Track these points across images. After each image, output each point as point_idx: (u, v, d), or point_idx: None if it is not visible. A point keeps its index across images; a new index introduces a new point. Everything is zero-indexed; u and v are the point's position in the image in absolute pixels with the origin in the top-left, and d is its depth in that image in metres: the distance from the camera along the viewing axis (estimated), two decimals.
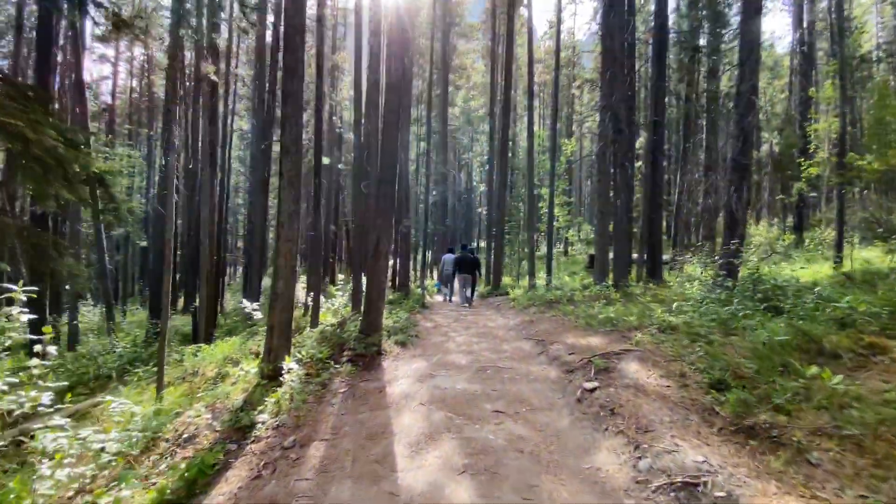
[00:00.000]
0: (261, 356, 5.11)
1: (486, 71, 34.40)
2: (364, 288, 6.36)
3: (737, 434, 2.61)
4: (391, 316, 8.97)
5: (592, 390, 3.84)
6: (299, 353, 5.05)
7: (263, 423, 3.67)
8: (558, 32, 17.52)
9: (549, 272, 12.74)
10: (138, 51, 32.31)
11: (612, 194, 10.28)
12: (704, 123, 12.49)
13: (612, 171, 10.20)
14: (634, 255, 11.31)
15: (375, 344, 5.73)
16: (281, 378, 4.42)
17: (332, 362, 5.14)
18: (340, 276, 16.90)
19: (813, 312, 4.13)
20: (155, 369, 6.25)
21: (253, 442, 3.45)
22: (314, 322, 7.41)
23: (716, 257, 7.87)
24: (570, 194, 33.65)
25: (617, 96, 9.21)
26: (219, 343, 7.38)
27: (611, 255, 10.44)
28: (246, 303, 5.50)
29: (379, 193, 6.25)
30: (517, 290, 13.07)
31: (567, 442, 3.09)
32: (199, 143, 11.62)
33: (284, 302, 4.87)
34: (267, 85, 12.43)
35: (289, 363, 4.59)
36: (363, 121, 9.82)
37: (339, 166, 20.46)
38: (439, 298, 16.00)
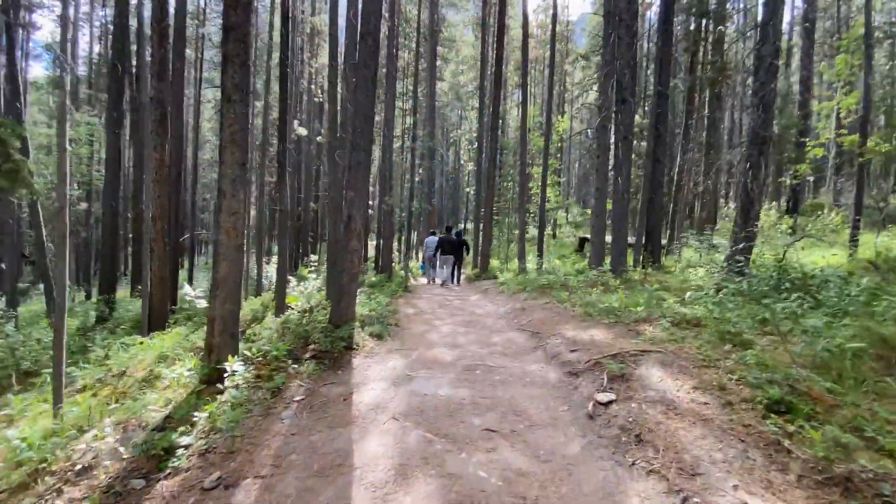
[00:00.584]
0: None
1: (476, 42, 32.85)
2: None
3: (827, 487, 1.87)
4: (369, 302, 8.13)
5: (607, 404, 3.09)
6: (250, 350, 4.18)
7: (187, 447, 2.83)
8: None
9: (540, 255, 12.00)
10: (100, 12, 29.97)
11: (610, 172, 9.47)
12: (707, 97, 11.70)
13: (611, 146, 9.37)
14: (631, 239, 10.61)
15: (345, 337, 4.89)
16: (221, 384, 3.56)
17: (291, 361, 4.29)
18: (314, 258, 15.93)
19: (869, 308, 3.44)
20: (82, 366, 5.30)
21: (168, 476, 2.61)
22: (279, 309, 6.53)
23: (714, 241, 7.15)
24: (561, 174, 32.84)
25: (621, 62, 8.30)
26: (160, 334, 6.41)
27: (607, 237, 9.71)
28: (188, 289, 4.58)
29: (351, 162, 5.32)
30: (506, 273, 12.33)
31: (582, 482, 2.32)
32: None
33: (228, 289, 3.98)
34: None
35: (233, 364, 3.73)
36: (339, 83, 8.74)
37: (319, 139, 19.19)
38: (424, 281, 15.21)
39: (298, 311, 6.04)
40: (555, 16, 14.10)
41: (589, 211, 23.49)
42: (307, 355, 4.49)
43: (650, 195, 9.61)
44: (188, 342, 5.78)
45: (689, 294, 5.45)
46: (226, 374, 3.64)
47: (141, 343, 5.63)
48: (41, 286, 16.30)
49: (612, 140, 9.10)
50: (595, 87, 32.19)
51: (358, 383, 4.02)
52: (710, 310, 4.74)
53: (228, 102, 3.75)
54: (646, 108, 12.67)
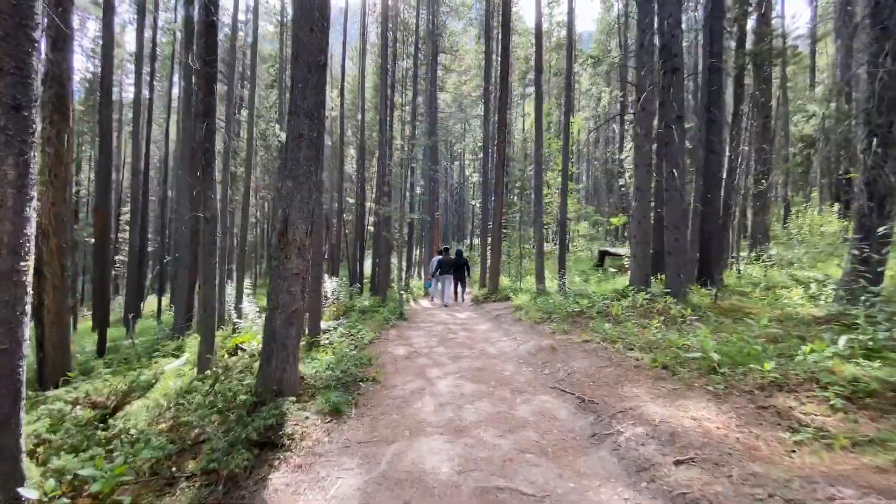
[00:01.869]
0: None
1: (479, 50, 31.45)
2: (269, 308, 3.44)
3: None
4: (342, 342, 6.10)
5: None
6: (56, 475, 2.14)
7: None
8: None
9: (562, 273, 9.92)
10: None
11: (646, 169, 7.42)
12: (764, 76, 9.68)
13: (651, 133, 7.38)
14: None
15: (267, 428, 2.83)
16: None
17: (145, 489, 2.24)
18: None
19: None
20: None
21: None
22: (201, 362, 4.44)
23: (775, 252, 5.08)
24: (579, 181, 30.77)
25: (670, 21, 6.38)
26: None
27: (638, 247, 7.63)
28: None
29: (290, 134, 3.36)
30: (521, 295, 10.24)
31: None
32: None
33: None
34: None
35: None
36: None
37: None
38: (426, 304, 13.18)
39: (222, 368, 4.00)
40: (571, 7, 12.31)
41: (599, 219, 21.37)
42: (184, 474, 2.44)
43: (705, 194, 7.57)
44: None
45: (842, 339, 3.33)
46: None
47: None
48: None
49: (652, 125, 7.11)
50: (606, 90, 30.52)
51: None
52: None
53: None
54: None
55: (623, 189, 19.83)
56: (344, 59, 18.37)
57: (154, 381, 4.45)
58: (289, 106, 3.40)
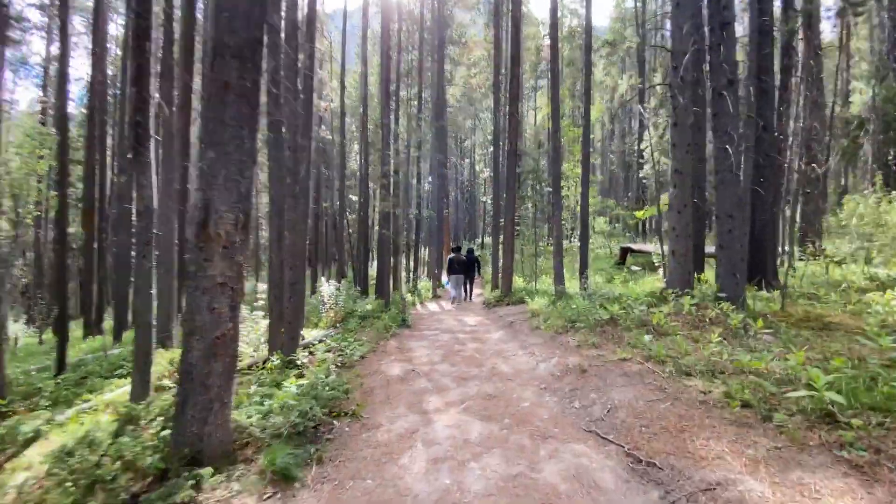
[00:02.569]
0: None
1: (488, 40, 30.30)
2: (187, 329, 2.42)
3: None
4: (335, 353, 5.10)
5: None
6: None
7: None
8: None
9: (583, 273, 8.79)
10: None
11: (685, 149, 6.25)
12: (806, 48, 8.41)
13: (685, 108, 6.20)
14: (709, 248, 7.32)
15: None
16: None
17: None
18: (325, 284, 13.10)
19: None
20: None
21: None
22: (134, 397, 3.43)
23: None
24: (595, 171, 29.27)
25: None
26: None
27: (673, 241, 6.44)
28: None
29: (213, 95, 2.34)
30: (537, 298, 9.14)
31: None
32: None
33: None
34: None
35: None
36: None
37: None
38: (433, 307, 12.16)
39: (144, 406, 3.01)
40: None
41: (622, 213, 20.03)
42: None
43: (756, 177, 6.36)
44: None
45: None
46: None
47: None
48: None
49: (693, 94, 5.95)
50: (623, 79, 29.02)
51: None
52: None
53: None
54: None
55: (645, 181, 18.54)
56: (344, 47, 17.44)
57: (64, 423, 3.51)
58: (212, 43, 2.38)
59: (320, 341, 6.08)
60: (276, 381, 4.10)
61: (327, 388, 3.75)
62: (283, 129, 4.87)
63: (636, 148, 25.86)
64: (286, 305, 4.76)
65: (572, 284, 10.33)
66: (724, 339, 4.31)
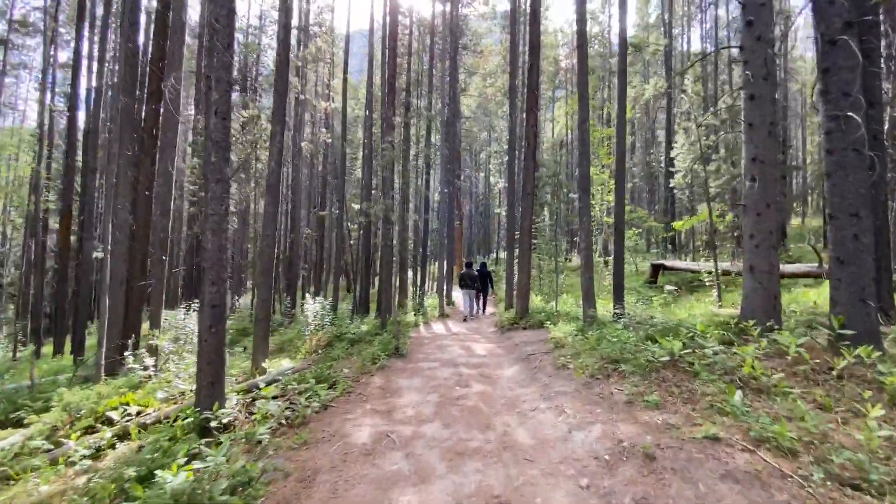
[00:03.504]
0: None
1: (504, 47, 29.14)
2: None
3: None
4: (283, 404, 3.57)
5: None
6: None
7: None
8: None
9: (619, 296, 7.11)
10: None
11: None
12: None
13: (774, 72, 4.61)
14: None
15: None
16: None
17: None
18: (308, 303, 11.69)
19: None
20: None
21: None
22: None
23: None
24: (633, 178, 27.23)
25: None
26: None
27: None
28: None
29: None
30: (562, 325, 7.48)
31: None
32: None
33: None
34: None
35: None
36: None
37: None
38: (438, 328, 10.58)
39: None
40: None
41: (654, 225, 18.15)
42: None
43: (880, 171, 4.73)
44: None
45: None
46: None
47: None
48: None
49: (771, 57, 4.38)
50: (649, 84, 27.39)
51: None
52: None
53: None
54: None
55: (675, 191, 16.80)
56: (347, 46, 16.36)
57: None
58: None
59: (272, 382, 4.55)
60: (157, 463, 2.58)
61: (224, 489, 2.21)
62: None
63: (662, 158, 24.11)
64: (205, 338, 3.27)
65: (603, 307, 8.64)
66: (883, 403, 2.63)
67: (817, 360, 3.34)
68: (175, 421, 3.46)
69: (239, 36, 20.98)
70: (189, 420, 3.29)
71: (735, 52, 25.58)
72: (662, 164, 22.64)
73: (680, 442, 2.76)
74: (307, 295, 13.27)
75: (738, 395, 3.14)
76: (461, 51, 24.50)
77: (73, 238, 13.41)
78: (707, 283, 9.66)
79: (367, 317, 13.96)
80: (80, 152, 12.38)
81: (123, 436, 3.67)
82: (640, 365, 4.23)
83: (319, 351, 7.63)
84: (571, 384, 4.52)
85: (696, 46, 32.31)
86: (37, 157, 9.22)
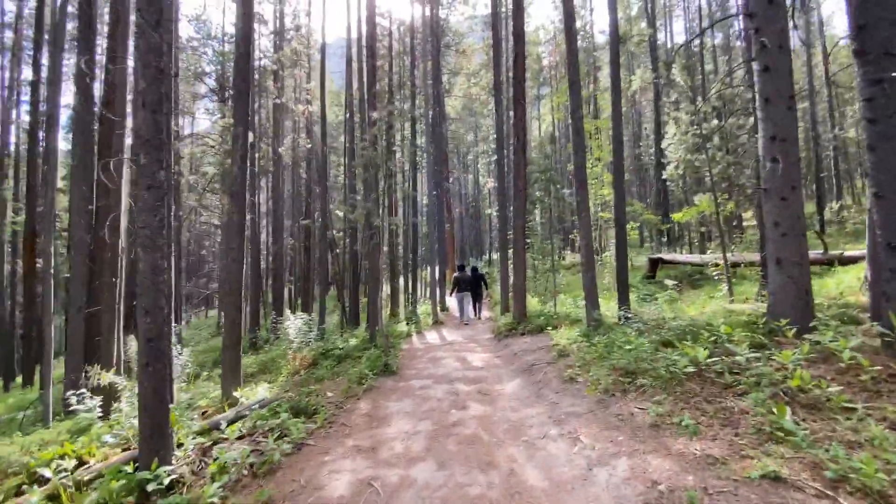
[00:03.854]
0: None
1: (487, 45, 28.75)
2: None
3: None
4: (249, 446, 2.96)
5: None
6: None
7: None
8: None
9: (624, 295, 6.58)
10: None
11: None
12: None
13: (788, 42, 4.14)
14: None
15: None
16: None
17: None
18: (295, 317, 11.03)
19: None
20: None
21: None
22: None
23: None
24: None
25: None
26: None
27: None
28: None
29: None
30: (564, 330, 6.93)
31: None
32: None
33: None
34: None
35: None
36: None
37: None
38: (432, 338, 9.99)
39: None
40: None
41: (651, 218, 17.71)
42: None
43: None
44: None
45: None
46: None
47: None
48: None
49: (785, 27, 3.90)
50: (635, 76, 27.09)
51: None
52: None
53: None
54: None
55: (669, 183, 16.42)
56: (324, 44, 15.77)
57: None
58: None
59: (238, 419, 3.92)
60: None
61: None
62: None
63: (652, 150, 23.79)
64: (141, 379, 2.66)
65: (605, 307, 8.10)
66: None
67: (877, 367, 2.81)
68: (112, 480, 2.84)
69: (214, 44, 20.25)
70: (123, 483, 2.67)
71: (729, 47, 24.94)
72: (653, 157, 22.30)
73: (732, 484, 2.20)
74: (286, 311, 12.56)
75: (789, 418, 2.60)
76: (444, 50, 23.98)
77: (40, 261, 12.62)
78: (715, 277, 9.16)
79: (356, 329, 13.32)
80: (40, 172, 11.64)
81: (54, 498, 3.04)
82: (660, 377, 3.68)
83: (302, 372, 6.99)
84: (583, 402, 3.95)
85: (679, 39, 32.22)
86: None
